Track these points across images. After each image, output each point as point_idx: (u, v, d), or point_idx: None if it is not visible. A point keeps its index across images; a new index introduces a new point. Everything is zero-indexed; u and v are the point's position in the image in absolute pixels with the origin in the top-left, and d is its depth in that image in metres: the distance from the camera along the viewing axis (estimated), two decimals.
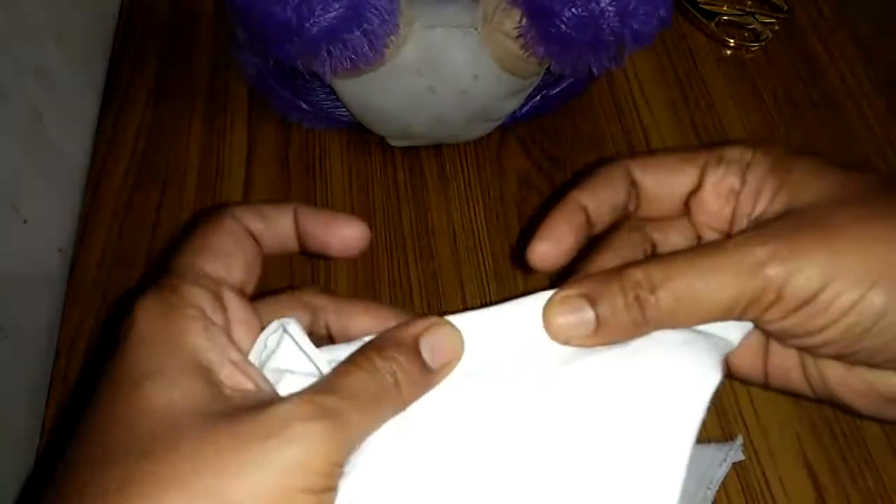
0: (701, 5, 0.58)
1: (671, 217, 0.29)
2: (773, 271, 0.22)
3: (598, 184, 0.27)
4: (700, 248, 0.25)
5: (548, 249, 0.26)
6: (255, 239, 0.25)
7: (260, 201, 0.28)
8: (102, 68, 0.56)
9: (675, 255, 0.24)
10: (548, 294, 0.25)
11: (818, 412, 0.42)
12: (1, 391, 0.41)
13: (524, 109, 0.51)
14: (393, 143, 0.51)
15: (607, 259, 0.27)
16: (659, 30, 0.41)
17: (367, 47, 0.40)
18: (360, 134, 0.51)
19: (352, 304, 0.27)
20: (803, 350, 0.26)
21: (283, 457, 0.18)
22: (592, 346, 0.24)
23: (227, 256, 0.23)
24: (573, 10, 0.39)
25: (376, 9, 0.40)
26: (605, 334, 0.24)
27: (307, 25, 0.39)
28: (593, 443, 0.23)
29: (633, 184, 0.28)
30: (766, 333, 0.26)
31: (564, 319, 0.24)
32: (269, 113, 0.53)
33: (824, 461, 0.40)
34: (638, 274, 0.24)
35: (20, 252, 0.44)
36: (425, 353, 0.22)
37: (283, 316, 0.24)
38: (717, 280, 0.23)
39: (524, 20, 0.41)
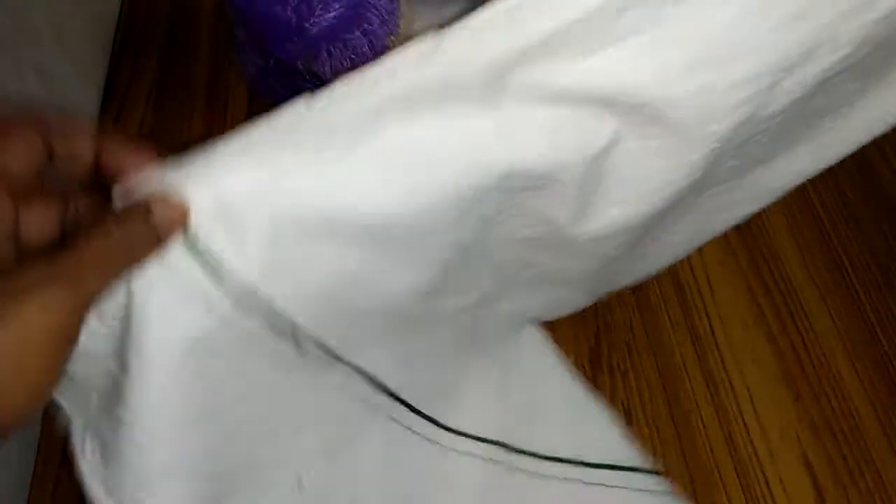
0: None
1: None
2: None
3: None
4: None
5: None
6: (46, 150, 0.25)
7: None
8: (102, 68, 0.56)
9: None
10: None
11: (818, 412, 0.42)
12: None
13: None
14: None
15: None
16: None
17: (367, 47, 0.40)
18: None
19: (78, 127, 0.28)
20: None
21: (25, 312, 0.20)
22: None
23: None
24: None
25: (376, 9, 0.40)
26: None
27: (307, 25, 0.39)
28: None
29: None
30: None
31: None
32: (269, 113, 0.53)
33: (824, 461, 0.40)
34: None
35: None
36: (157, 223, 0.24)
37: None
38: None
39: None
